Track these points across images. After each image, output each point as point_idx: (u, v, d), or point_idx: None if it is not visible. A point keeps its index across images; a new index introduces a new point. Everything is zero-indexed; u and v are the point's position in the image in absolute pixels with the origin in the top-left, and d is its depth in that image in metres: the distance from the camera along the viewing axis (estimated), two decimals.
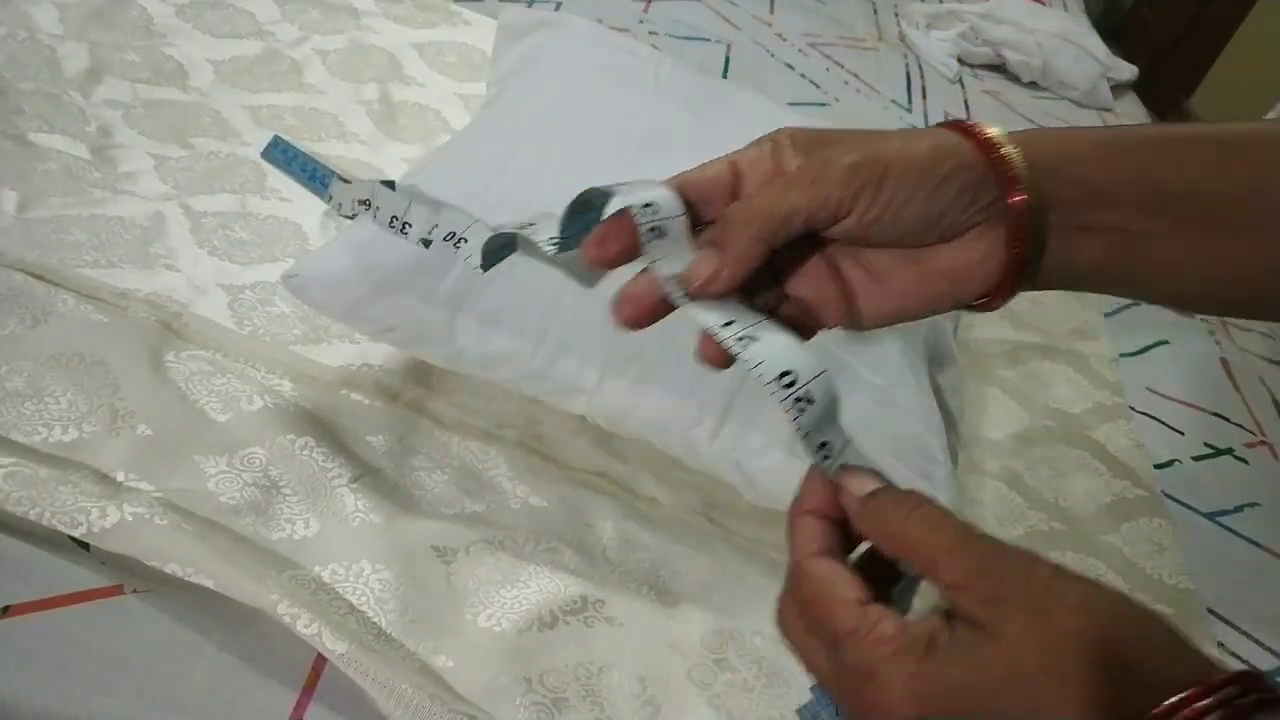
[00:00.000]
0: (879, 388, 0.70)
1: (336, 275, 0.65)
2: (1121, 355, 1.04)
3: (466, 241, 0.37)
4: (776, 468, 0.66)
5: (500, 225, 0.37)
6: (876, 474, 0.35)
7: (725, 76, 1.33)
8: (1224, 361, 1.08)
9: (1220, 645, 0.74)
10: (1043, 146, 0.37)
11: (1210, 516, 0.88)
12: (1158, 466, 0.91)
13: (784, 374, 0.33)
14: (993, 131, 0.36)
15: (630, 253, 0.35)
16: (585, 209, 0.36)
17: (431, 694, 0.54)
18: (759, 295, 0.37)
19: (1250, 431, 1.00)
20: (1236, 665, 0.79)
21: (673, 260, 0.35)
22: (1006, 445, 0.87)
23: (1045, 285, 0.38)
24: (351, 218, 0.40)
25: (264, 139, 0.96)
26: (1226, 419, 1.00)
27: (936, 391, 0.77)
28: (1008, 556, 0.31)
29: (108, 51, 0.96)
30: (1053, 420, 0.91)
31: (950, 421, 0.78)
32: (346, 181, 0.40)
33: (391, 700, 0.53)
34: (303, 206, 0.86)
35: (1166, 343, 1.07)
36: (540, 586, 0.62)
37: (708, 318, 0.35)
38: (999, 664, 0.29)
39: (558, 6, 1.34)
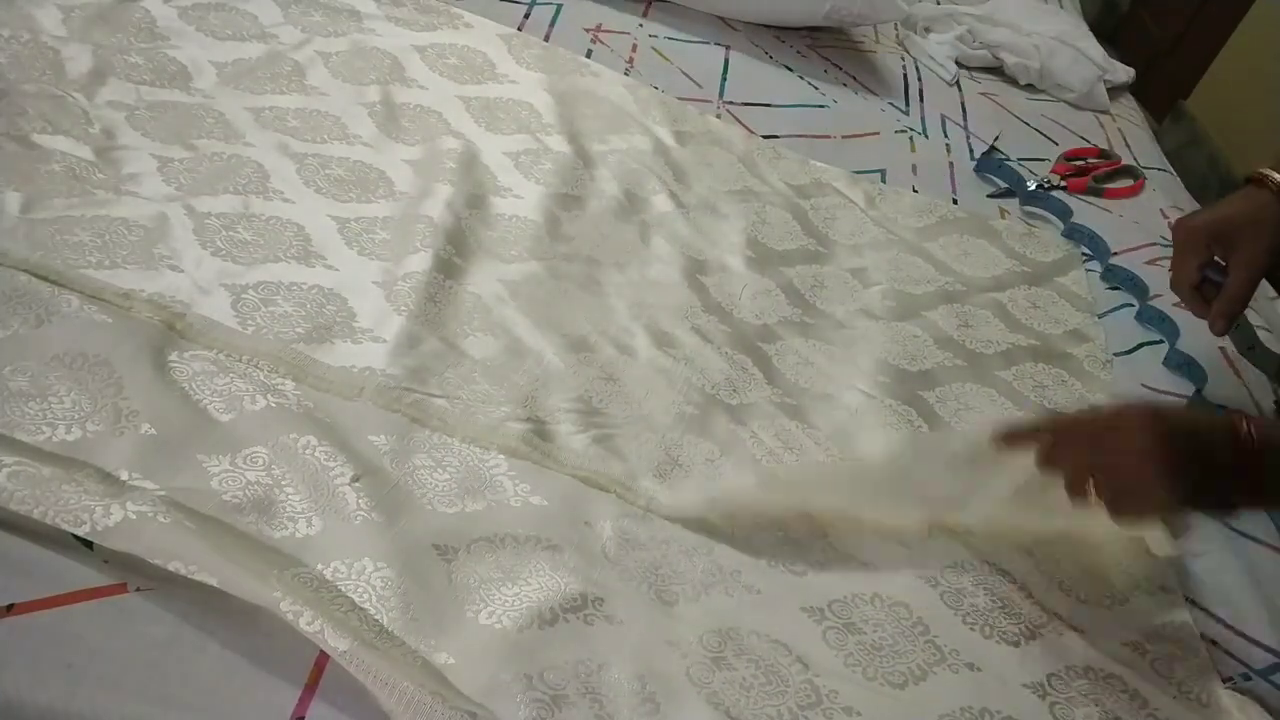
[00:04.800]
0: None
1: None
2: (1115, 355, 1.04)
3: None
4: None
5: None
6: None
7: (725, 79, 1.34)
8: (1224, 351, 1.08)
9: (1215, 643, 0.74)
10: None
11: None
12: None
13: None
14: None
15: None
16: None
17: (433, 691, 0.54)
18: None
19: None
20: (1233, 664, 0.79)
21: None
22: None
23: None
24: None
25: (265, 140, 0.97)
26: (1226, 410, 1.00)
27: None
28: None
29: (111, 54, 0.96)
30: None
31: None
32: None
33: (393, 697, 0.53)
34: (305, 208, 0.87)
35: (1160, 342, 1.08)
36: (540, 584, 0.62)
37: None
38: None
39: (558, 11, 1.35)
